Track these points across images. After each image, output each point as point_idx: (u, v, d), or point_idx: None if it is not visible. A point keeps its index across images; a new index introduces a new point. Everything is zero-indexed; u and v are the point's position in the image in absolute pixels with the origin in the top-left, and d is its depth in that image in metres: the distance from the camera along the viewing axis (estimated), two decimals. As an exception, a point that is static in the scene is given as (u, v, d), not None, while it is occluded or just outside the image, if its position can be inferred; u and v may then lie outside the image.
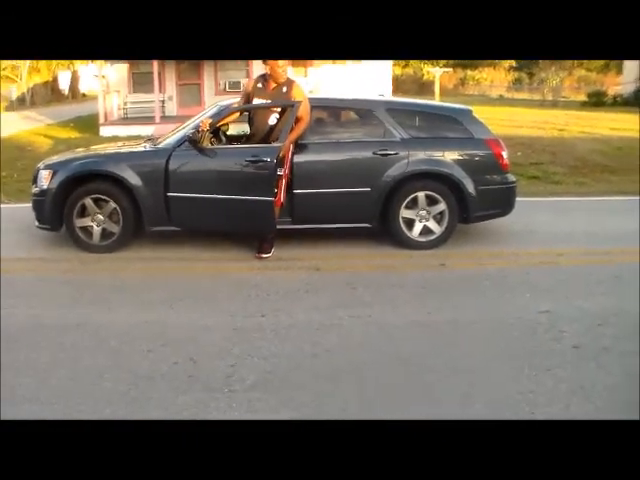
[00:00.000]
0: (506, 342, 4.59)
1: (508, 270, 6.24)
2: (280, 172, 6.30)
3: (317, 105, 6.94)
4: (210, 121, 6.41)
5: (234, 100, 7.07)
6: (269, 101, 6.50)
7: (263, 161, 6.12)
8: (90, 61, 47.91)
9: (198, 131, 6.33)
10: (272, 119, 6.48)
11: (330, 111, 7.34)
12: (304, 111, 6.41)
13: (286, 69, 6.54)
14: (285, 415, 3.61)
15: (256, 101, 6.55)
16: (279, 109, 6.48)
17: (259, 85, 6.61)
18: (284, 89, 6.48)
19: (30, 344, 4.56)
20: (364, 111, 7.11)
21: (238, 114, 6.77)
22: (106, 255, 6.61)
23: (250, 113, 6.67)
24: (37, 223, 6.90)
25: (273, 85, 6.52)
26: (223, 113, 6.69)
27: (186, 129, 6.74)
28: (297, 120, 6.36)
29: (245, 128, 7.08)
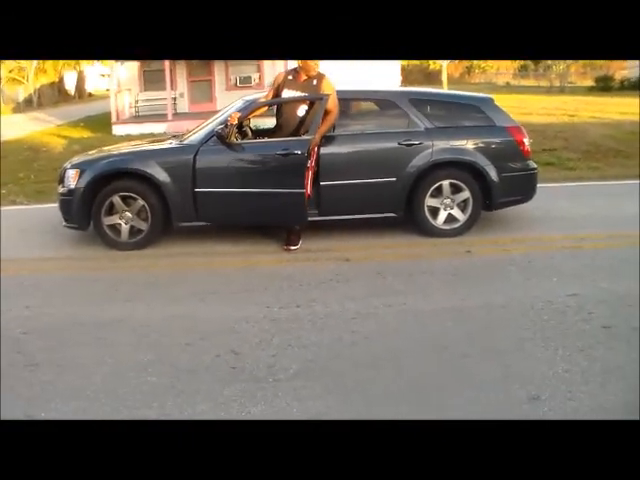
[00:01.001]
0: (537, 325, 4.65)
1: (533, 255, 6.29)
2: (307, 164, 6.37)
3: (341, 97, 6.98)
4: (239, 115, 6.47)
5: (259, 94, 7.12)
6: (299, 93, 6.58)
7: (294, 154, 6.19)
8: (96, 60, 48.28)
9: (226, 126, 6.40)
10: (301, 110, 6.57)
11: (354, 103, 7.39)
12: (333, 104, 6.50)
13: (318, 62, 6.61)
14: (331, 402, 3.68)
15: (286, 93, 6.62)
16: (308, 101, 6.55)
17: (289, 77, 6.69)
18: (314, 82, 6.57)
19: (69, 342, 4.63)
20: (387, 102, 7.17)
21: (266, 107, 6.84)
22: (135, 252, 6.69)
23: (278, 106, 6.74)
24: (64, 223, 6.97)
25: (304, 77, 6.60)
26: (250, 107, 6.73)
27: (211, 125, 6.80)
28: (326, 113, 6.43)
29: (267, 123, 7.15)
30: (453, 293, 5.37)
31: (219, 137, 6.42)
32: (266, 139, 6.91)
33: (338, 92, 6.69)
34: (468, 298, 5.22)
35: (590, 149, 13.20)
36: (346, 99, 7.14)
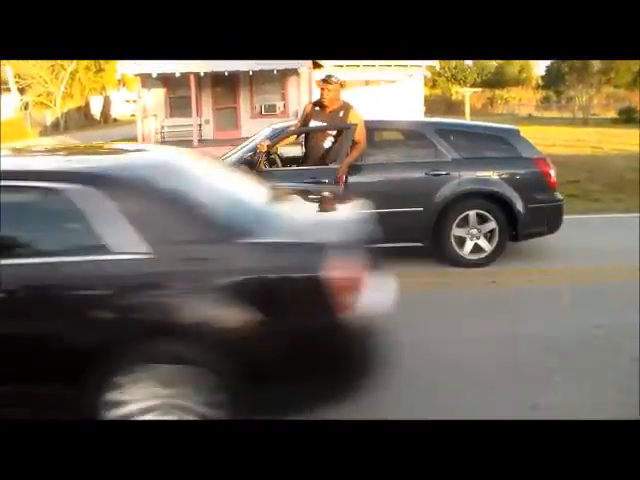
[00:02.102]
0: (565, 355, 4.68)
1: (558, 286, 6.30)
2: None
3: (369, 127, 7.09)
4: (268, 143, 6.58)
5: (287, 123, 7.26)
6: (323, 124, 6.68)
7: (321, 183, 6.24)
8: (122, 85, 48.99)
9: (255, 154, 6.50)
10: (327, 142, 6.65)
11: (382, 133, 7.50)
12: (360, 135, 6.57)
13: (334, 93, 6.66)
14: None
15: (313, 124, 6.73)
16: (334, 132, 6.64)
17: (317, 108, 6.79)
18: (341, 113, 6.66)
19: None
20: (414, 132, 7.26)
21: (295, 137, 6.94)
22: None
23: (306, 136, 6.84)
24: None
25: (330, 109, 6.69)
26: (278, 135, 6.85)
27: (240, 152, 6.91)
28: (354, 143, 6.50)
29: (294, 151, 7.24)
30: (479, 323, 5.39)
31: (248, 165, 6.51)
32: (294, 167, 7.01)
33: (366, 122, 6.78)
34: (494, 328, 5.25)
35: (614, 181, 13.15)
36: (374, 129, 7.24)
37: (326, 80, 6.72)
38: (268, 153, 7.02)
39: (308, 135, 6.81)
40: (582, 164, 15.39)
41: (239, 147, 7.24)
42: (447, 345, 4.92)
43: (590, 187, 12.55)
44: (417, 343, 4.91)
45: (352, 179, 6.68)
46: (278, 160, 7.26)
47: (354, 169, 6.74)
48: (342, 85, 6.82)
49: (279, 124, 7.23)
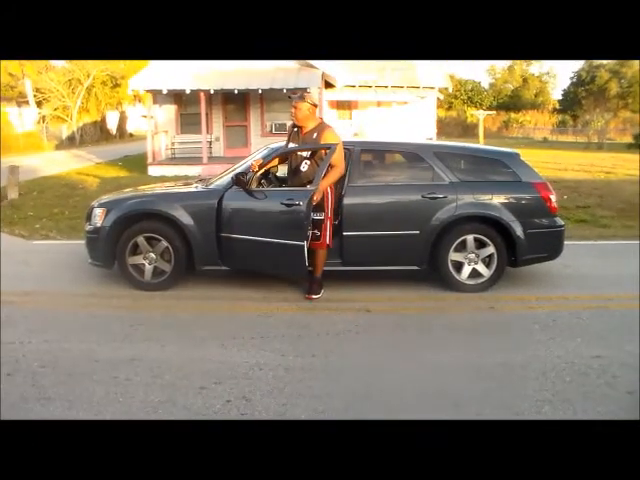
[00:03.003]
0: (557, 386, 4.54)
1: (558, 314, 6.19)
2: (320, 216, 6.35)
3: (366, 149, 7.07)
4: (260, 162, 6.52)
5: (283, 143, 7.18)
6: (299, 145, 6.56)
7: (296, 204, 6.12)
8: (138, 101, 49.36)
9: (246, 173, 6.46)
10: (303, 164, 6.52)
11: (379, 154, 7.45)
12: (337, 157, 6.37)
13: (302, 112, 6.49)
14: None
15: (290, 145, 6.63)
16: (308, 154, 6.49)
17: (295, 129, 6.68)
18: (314, 135, 6.49)
19: (83, 378, 4.65)
20: (413, 155, 7.18)
21: (281, 158, 6.83)
22: (158, 293, 6.73)
23: (288, 157, 6.74)
24: (90, 260, 7.07)
25: (305, 130, 6.56)
26: (272, 155, 6.78)
27: (237, 170, 6.87)
28: (330, 166, 6.32)
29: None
30: (473, 349, 5.29)
31: (237, 183, 6.46)
32: (275, 188, 6.96)
33: (364, 143, 6.71)
34: (487, 355, 5.15)
35: (625, 207, 13.03)
36: (371, 150, 7.22)
37: (292, 98, 6.62)
38: (267, 172, 6.99)
39: (290, 157, 6.70)
40: (593, 189, 15.29)
41: (236, 165, 7.21)
42: (437, 372, 4.81)
43: (600, 213, 12.45)
44: (406, 368, 4.85)
45: (347, 200, 6.63)
46: (275, 180, 7.21)
47: (350, 190, 6.69)
48: (315, 105, 6.60)
49: (276, 144, 7.16)
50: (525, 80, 68.21)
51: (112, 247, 6.77)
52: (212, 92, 18.92)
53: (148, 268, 6.79)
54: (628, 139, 39.10)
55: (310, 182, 6.32)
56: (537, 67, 70.29)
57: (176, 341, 5.44)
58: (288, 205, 6.16)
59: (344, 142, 6.81)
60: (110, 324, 5.88)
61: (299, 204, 6.09)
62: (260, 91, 19.00)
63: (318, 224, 6.37)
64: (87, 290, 6.95)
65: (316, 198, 6.21)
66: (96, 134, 44.66)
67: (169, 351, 5.19)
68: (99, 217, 6.85)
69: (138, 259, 6.79)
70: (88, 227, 7.04)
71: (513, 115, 55.81)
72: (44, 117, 41.60)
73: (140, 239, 6.73)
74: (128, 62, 47.24)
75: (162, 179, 16.04)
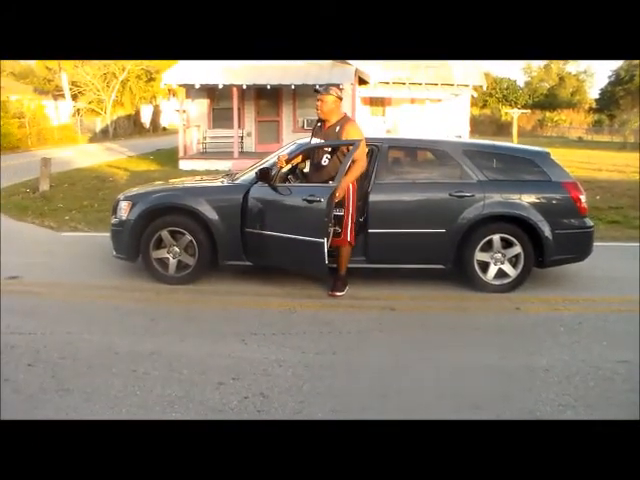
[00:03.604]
0: (581, 391, 4.44)
1: (584, 316, 6.07)
2: (341, 212, 6.31)
3: (394, 145, 6.99)
4: (287, 158, 6.49)
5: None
6: (323, 141, 6.51)
7: (317, 200, 6.04)
8: (172, 95, 49.70)
9: (271, 168, 6.43)
10: (324, 159, 6.47)
11: (407, 151, 7.36)
12: (359, 153, 6.27)
13: (327, 105, 6.45)
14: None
15: (314, 140, 6.58)
16: (329, 149, 6.44)
17: (318, 124, 6.64)
18: (337, 129, 6.43)
19: (102, 370, 4.66)
20: (441, 152, 7.08)
21: (305, 154, 6.78)
22: (181, 287, 6.73)
23: (311, 153, 6.68)
24: (115, 253, 7.10)
25: (328, 124, 6.51)
26: (298, 151, 6.74)
27: (263, 165, 6.85)
28: (353, 161, 6.23)
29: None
30: (496, 350, 5.20)
31: (261, 178, 6.43)
32: (299, 184, 6.91)
33: (392, 140, 6.64)
34: (510, 357, 5.06)
35: (658, 209, 12.78)
36: (399, 147, 7.14)
37: (318, 91, 6.56)
38: (294, 168, 6.95)
39: (313, 152, 6.64)
40: (627, 190, 15.00)
41: (263, 161, 7.19)
42: (458, 372, 4.74)
43: (633, 214, 12.19)
44: (426, 368, 4.78)
45: (373, 197, 6.57)
46: (301, 175, 7.17)
47: (377, 187, 6.64)
48: (340, 98, 6.56)
49: (303, 139, 7.12)
50: (562, 79, 67.39)
51: (136, 240, 6.78)
52: (244, 87, 18.96)
53: (172, 262, 6.79)
54: (665, 140, 38.44)
55: (332, 178, 6.25)
56: (574, 66, 69.46)
57: (196, 336, 5.43)
58: (309, 201, 6.10)
59: (372, 138, 6.75)
60: (132, 317, 5.90)
61: (320, 200, 6.03)
62: (293, 87, 18.99)
63: (340, 220, 6.32)
64: (111, 283, 6.99)
65: (339, 194, 6.15)
66: (129, 127, 45.06)
67: (189, 346, 5.19)
68: (124, 210, 6.88)
69: (162, 253, 6.80)
70: (114, 220, 7.07)
71: (548, 114, 55.12)
72: (79, 110, 42.12)
73: (164, 233, 6.74)
74: (163, 56, 47.67)
75: (193, 173, 16.13)
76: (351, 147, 6.23)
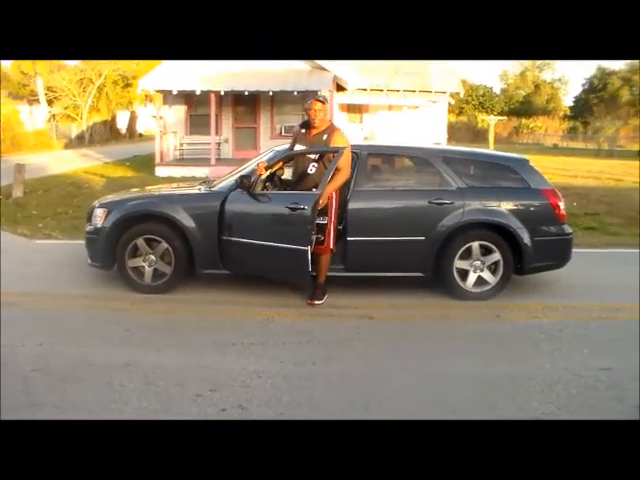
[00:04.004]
0: (563, 399, 4.40)
1: (565, 324, 6.06)
2: (324, 220, 6.24)
3: (374, 152, 6.95)
4: (266, 165, 6.41)
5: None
6: (306, 148, 6.43)
7: (301, 208, 5.99)
8: (148, 101, 49.48)
9: (250, 175, 6.36)
10: (310, 167, 6.38)
11: (387, 159, 7.33)
12: (344, 162, 6.23)
13: (321, 113, 6.37)
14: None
15: (297, 147, 6.50)
16: (316, 157, 6.37)
17: (302, 131, 6.57)
18: (324, 137, 6.37)
19: (77, 383, 4.54)
20: (421, 159, 7.06)
21: (285, 161, 6.70)
22: (157, 296, 6.62)
23: (294, 160, 6.60)
24: (89, 261, 6.98)
25: (314, 132, 6.44)
26: (277, 158, 6.66)
27: (241, 172, 6.77)
28: (336, 170, 6.18)
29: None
30: (477, 359, 5.16)
31: (240, 186, 6.36)
32: (280, 191, 6.81)
33: (372, 147, 6.59)
34: (492, 365, 5.02)
35: (634, 215, 12.86)
36: (378, 154, 7.10)
37: (317, 99, 6.46)
38: (272, 175, 6.88)
39: (296, 160, 6.57)
40: (603, 196, 15.15)
41: (241, 168, 7.11)
42: (439, 381, 4.69)
43: (609, 220, 12.32)
44: (407, 378, 4.72)
45: (352, 205, 6.52)
46: (279, 182, 7.10)
47: (356, 195, 6.57)
48: (327, 104, 6.49)
49: (281, 147, 7.05)
50: (537, 86, 68.01)
51: (112, 248, 6.67)
52: (222, 93, 18.86)
53: (148, 270, 6.68)
54: (638, 147, 38.83)
55: (317, 186, 6.19)
56: (549, 73, 70.22)
57: (173, 346, 5.33)
58: (293, 209, 6.04)
59: (352, 146, 6.70)
60: (107, 327, 5.78)
61: (304, 208, 5.97)
62: (271, 93, 18.92)
63: (322, 228, 6.26)
64: (86, 292, 6.86)
65: (322, 202, 6.10)
66: (106, 133, 44.70)
67: (165, 356, 5.09)
68: (100, 217, 6.76)
69: (138, 261, 6.69)
70: (89, 227, 6.96)
71: (524, 121, 55.53)
72: (54, 116, 41.75)
73: (140, 241, 6.63)
74: (141, 61, 47.44)
75: (169, 180, 16.01)
76: (336, 154, 6.19)
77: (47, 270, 7.81)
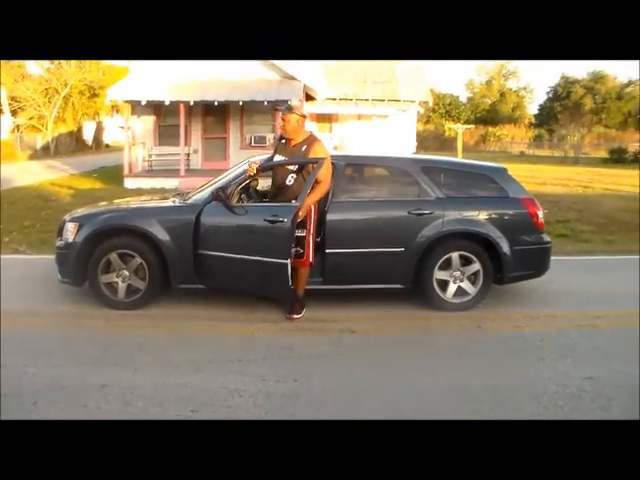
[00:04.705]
0: (550, 411, 4.34)
1: (546, 333, 6.05)
2: (302, 233, 6.13)
3: (352, 163, 6.87)
4: (258, 165, 6.29)
5: (265, 156, 6.91)
6: (286, 159, 6.33)
7: (280, 221, 5.89)
8: (115, 111, 49.05)
9: (225, 187, 6.26)
10: (289, 179, 6.27)
11: (365, 169, 7.25)
12: (323, 174, 6.14)
13: (289, 124, 6.27)
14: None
15: (277, 158, 6.39)
16: (295, 168, 6.26)
17: (282, 142, 6.47)
18: (303, 147, 6.27)
19: (49, 407, 4.35)
20: (399, 170, 6.99)
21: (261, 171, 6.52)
22: (131, 312, 6.45)
23: (273, 171, 6.48)
24: (60, 277, 6.77)
25: (294, 142, 6.34)
26: (269, 164, 6.46)
27: (217, 184, 6.63)
28: (316, 181, 6.09)
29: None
30: (460, 371, 5.10)
31: (216, 198, 6.24)
32: (259, 203, 6.70)
33: (350, 157, 6.52)
34: (475, 377, 4.95)
35: (604, 222, 13.05)
36: (356, 165, 7.02)
37: (280, 109, 6.41)
38: (247, 186, 6.76)
39: (274, 171, 6.45)
40: (572, 203, 15.32)
41: (216, 179, 6.96)
42: (422, 395, 4.60)
43: (580, 227, 12.46)
44: (391, 392, 4.63)
45: (330, 216, 6.42)
46: (254, 194, 6.98)
47: (334, 206, 6.48)
48: (304, 116, 6.39)
49: (257, 157, 6.93)
50: (503, 94, 68.90)
51: (83, 264, 6.47)
52: (192, 104, 18.70)
53: (121, 286, 6.51)
54: (602, 154, 39.52)
55: (296, 197, 6.08)
56: (514, 82, 71.15)
57: (150, 365, 5.17)
58: (272, 222, 5.92)
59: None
60: (80, 346, 5.59)
61: (284, 221, 5.87)
62: (241, 103, 18.80)
63: (300, 241, 6.15)
64: (56, 309, 6.64)
65: (301, 214, 5.99)
66: (72, 144, 44.14)
67: (143, 376, 4.92)
68: (71, 232, 6.57)
69: (111, 277, 6.50)
70: (59, 242, 6.76)
71: (491, 129, 56.16)
72: (19, 126, 41.07)
73: (113, 255, 6.45)
74: (107, 72, 47.05)
75: (139, 192, 15.77)
76: (315, 165, 6.09)
77: (15, 286, 7.54)
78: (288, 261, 5.86)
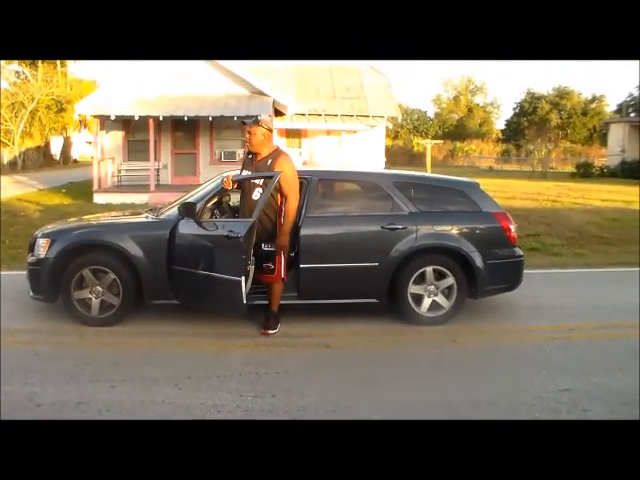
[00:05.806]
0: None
1: (521, 346, 6.12)
2: (272, 248, 6.13)
3: (325, 178, 6.88)
4: (232, 179, 6.26)
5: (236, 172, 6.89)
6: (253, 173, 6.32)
7: (235, 237, 5.84)
8: (83, 126, 48.60)
9: (195, 202, 6.26)
10: (255, 193, 6.23)
11: (338, 184, 7.27)
12: (290, 187, 6.15)
13: (255, 137, 6.26)
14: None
15: (244, 173, 6.36)
16: (261, 182, 6.23)
17: (249, 157, 6.45)
18: (269, 162, 6.25)
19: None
20: (371, 184, 7.04)
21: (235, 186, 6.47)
22: (105, 329, 6.37)
23: (240, 186, 6.45)
24: (32, 293, 6.68)
25: (260, 157, 6.32)
26: (242, 177, 6.44)
27: (190, 200, 6.60)
28: (282, 197, 6.11)
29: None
30: (438, 386, 5.12)
31: (186, 214, 6.19)
32: (224, 219, 6.67)
33: (323, 172, 6.51)
34: (453, 392, 4.97)
35: (574, 235, 13.22)
36: (329, 180, 7.02)
37: (246, 123, 6.42)
38: (220, 202, 6.75)
39: (243, 185, 6.41)
40: (542, 217, 15.48)
41: (189, 195, 6.94)
42: (401, 411, 4.58)
43: (550, 241, 12.58)
44: (369, 408, 4.62)
45: (304, 231, 6.42)
46: (228, 209, 6.97)
47: (307, 221, 6.48)
48: (270, 130, 6.43)
49: (231, 172, 6.91)
50: (470, 110, 69.66)
51: (56, 280, 6.40)
52: (161, 119, 18.62)
53: (95, 302, 6.44)
54: (569, 168, 40.09)
55: (265, 213, 6.10)
56: (481, 97, 72.02)
57: (126, 381, 5.10)
58: (228, 237, 5.89)
59: (302, 171, 6.62)
60: (54, 363, 5.51)
61: (238, 236, 5.83)
62: (210, 118, 18.77)
63: (272, 257, 6.13)
64: (29, 326, 6.54)
65: (283, 241, 6.05)
66: (39, 159, 43.62)
67: (119, 392, 4.86)
68: (43, 248, 6.50)
69: (84, 293, 6.44)
70: (31, 258, 6.67)
71: (459, 144, 56.70)
72: (-17, 142, 40.52)
73: (86, 271, 6.39)
74: (75, 86, 46.63)
75: (108, 207, 15.66)
76: (273, 177, 6.08)
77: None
78: (242, 278, 5.80)
